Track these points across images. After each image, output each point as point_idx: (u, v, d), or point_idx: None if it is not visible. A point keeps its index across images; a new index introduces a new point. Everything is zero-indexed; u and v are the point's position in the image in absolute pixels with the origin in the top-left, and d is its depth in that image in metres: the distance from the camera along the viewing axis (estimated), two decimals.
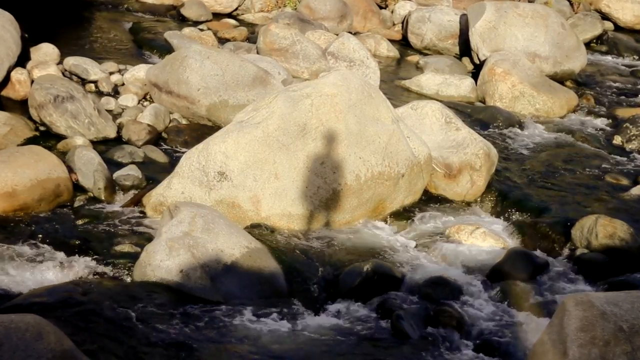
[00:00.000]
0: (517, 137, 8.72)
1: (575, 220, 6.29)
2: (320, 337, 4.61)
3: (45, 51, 8.50)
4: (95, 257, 5.31)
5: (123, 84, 8.43)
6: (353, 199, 6.20)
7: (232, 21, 12.34)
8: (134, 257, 5.22)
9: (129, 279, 5.07)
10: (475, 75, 10.62)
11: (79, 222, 5.81)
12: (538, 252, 6.11)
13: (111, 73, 8.60)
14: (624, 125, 9.03)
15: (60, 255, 5.26)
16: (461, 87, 10.15)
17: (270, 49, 9.46)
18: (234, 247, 5.09)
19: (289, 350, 4.41)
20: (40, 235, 5.47)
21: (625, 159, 8.32)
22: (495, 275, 5.65)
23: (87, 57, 8.65)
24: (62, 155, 6.54)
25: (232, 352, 4.27)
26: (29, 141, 6.84)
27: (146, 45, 10.48)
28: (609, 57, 13.04)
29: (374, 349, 4.58)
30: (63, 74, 8.24)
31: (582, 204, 6.93)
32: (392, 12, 13.48)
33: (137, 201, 6.22)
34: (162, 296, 4.71)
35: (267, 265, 5.15)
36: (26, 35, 8.41)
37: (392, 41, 12.26)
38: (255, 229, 5.75)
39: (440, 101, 8.08)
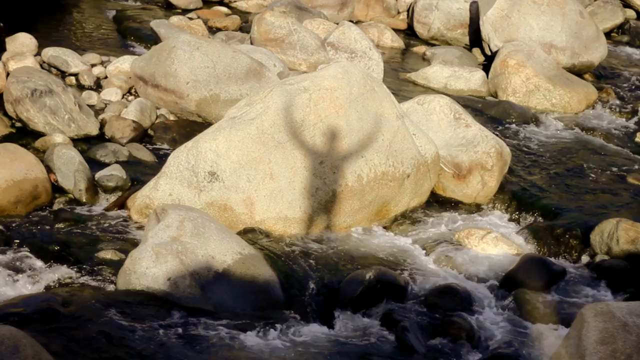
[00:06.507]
0: (532, 135, 8.73)
1: (595, 224, 6.30)
2: (319, 350, 4.62)
3: (22, 41, 8.50)
4: (75, 264, 5.31)
5: (106, 77, 8.42)
6: (354, 201, 6.20)
7: (223, 9, 12.36)
8: (117, 264, 5.21)
9: (112, 288, 5.07)
10: (486, 67, 10.63)
11: (59, 226, 5.81)
12: (554, 259, 6.13)
13: (93, 65, 8.60)
14: None
15: (38, 262, 5.26)
16: (471, 80, 10.16)
17: (265, 39, 9.47)
18: (225, 253, 5.09)
19: None
20: (17, 241, 5.47)
21: None
22: (508, 283, 5.66)
23: (67, 48, 8.65)
24: (40, 154, 6.54)
25: None
26: (4, 139, 6.83)
27: (131, 35, 10.49)
28: (631, 48, 13.05)
29: None
30: (41, 66, 8.24)
31: (601, 206, 6.93)
32: None
33: (121, 204, 6.22)
34: (148, 306, 4.71)
35: (261, 273, 5.15)
36: (1, 24, 8.41)
37: (396, 31, 12.27)
38: (249, 234, 5.76)
39: (449, 95, 8.09)
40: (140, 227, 5.84)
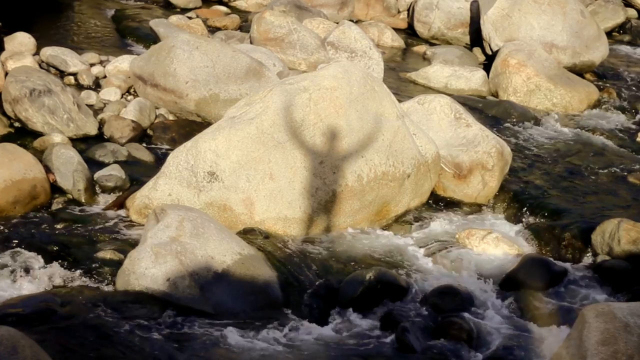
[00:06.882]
0: (533, 134, 8.73)
1: (596, 224, 6.29)
2: (319, 351, 4.62)
3: (21, 41, 8.50)
4: (74, 264, 5.30)
5: (105, 77, 8.42)
6: (354, 201, 6.20)
7: (223, 8, 12.36)
8: (116, 265, 5.21)
9: (111, 288, 5.06)
10: (487, 67, 10.63)
11: (57, 226, 5.80)
12: (555, 259, 6.12)
13: (92, 65, 8.60)
14: None
15: (37, 262, 5.25)
16: (472, 79, 10.16)
17: (264, 39, 9.47)
18: (225, 253, 5.09)
19: None
20: (15, 241, 5.46)
21: None
22: (509, 284, 5.66)
23: (66, 48, 8.64)
24: (39, 154, 6.53)
25: None
26: (3, 139, 6.83)
27: (130, 34, 10.49)
28: (632, 48, 13.05)
29: None
30: (40, 65, 8.24)
31: (603, 206, 6.93)
32: None
33: (120, 204, 6.22)
34: (147, 307, 4.71)
35: (261, 273, 5.15)
36: (0, 23, 8.41)
37: (396, 30, 12.27)
38: (249, 234, 5.76)
39: (449, 95, 8.08)
40: (139, 227, 5.83)
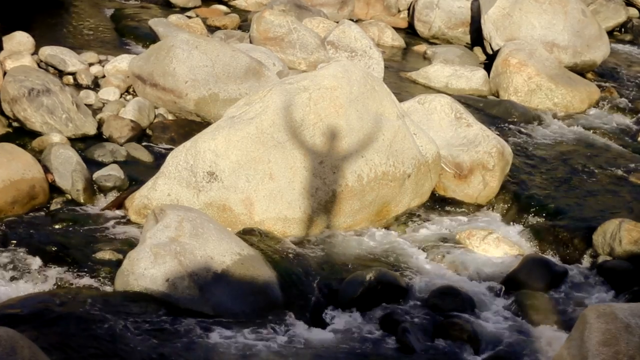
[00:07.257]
0: (534, 134, 8.73)
1: (597, 224, 6.30)
2: (319, 352, 4.62)
3: (19, 40, 8.50)
4: (73, 264, 5.30)
5: (104, 76, 8.42)
6: (354, 202, 6.20)
7: (222, 7, 12.36)
8: (115, 265, 5.21)
9: (110, 289, 5.06)
10: (488, 66, 10.63)
11: (56, 226, 5.80)
12: (556, 260, 6.13)
13: (91, 64, 8.60)
14: None
15: (36, 262, 5.26)
16: (472, 79, 10.16)
17: (264, 38, 9.47)
18: (224, 254, 5.08)
19: None
20: (14, 241, 5.46)
21: None
22: (510, 284, 5.66)
23: (64, 47, 8.65)
24: (38, 154, 6.54)
25: None
26: (1, 138, 6.83)
27: (129, 33, 10.49)
28: (633, 47, 13.06)
29: None
30: (38, 65, 8.24)
31: (604, 207, 6.93)
32: None
33: (119, 204, 6.22)
34: (146, 307, 4.71)
35: (260, 273, 5.15)
36: None
37: (397, 29, 12.28)
38: (248, 234, 5.75)
39: (450, 95, 8.09)
40: (138, 227, 5.83)
